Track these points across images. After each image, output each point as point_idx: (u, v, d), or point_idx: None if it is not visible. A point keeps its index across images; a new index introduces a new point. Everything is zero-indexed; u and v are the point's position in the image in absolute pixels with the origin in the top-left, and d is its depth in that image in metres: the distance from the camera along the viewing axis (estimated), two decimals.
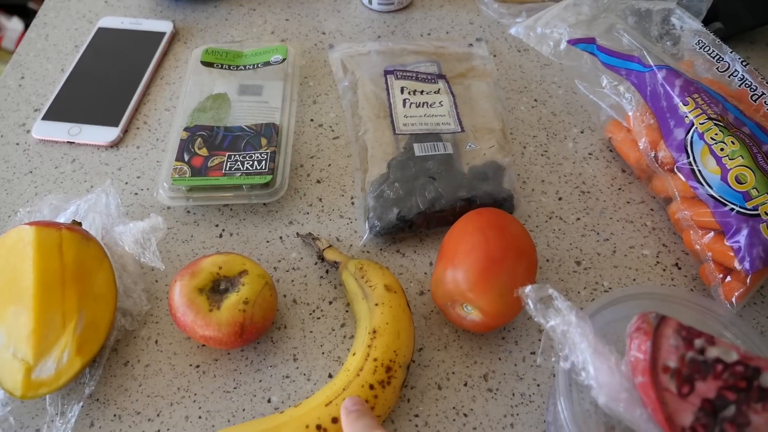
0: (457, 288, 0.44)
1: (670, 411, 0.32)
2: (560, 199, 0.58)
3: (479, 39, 0.72)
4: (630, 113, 0.57)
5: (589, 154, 0.62)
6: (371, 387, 0.42)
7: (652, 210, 0.57)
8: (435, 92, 0.62)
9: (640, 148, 0.55)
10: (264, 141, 0.57)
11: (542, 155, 0.61)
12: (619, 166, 0.61)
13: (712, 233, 0.50)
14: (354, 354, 0.44)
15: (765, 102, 0.53)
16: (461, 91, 0.64)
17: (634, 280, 0.53)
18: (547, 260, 0.54)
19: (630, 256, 0.54)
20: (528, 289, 0.38)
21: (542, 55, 0.69)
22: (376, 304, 0.46)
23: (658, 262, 0.54)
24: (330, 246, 0.52)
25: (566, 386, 0.38)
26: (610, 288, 0.52)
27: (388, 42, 0.69)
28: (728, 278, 0.49)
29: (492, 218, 0.47)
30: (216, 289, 0.46)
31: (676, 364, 0.33)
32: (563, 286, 0.52)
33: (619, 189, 0.59)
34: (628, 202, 0.58)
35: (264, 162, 0.55)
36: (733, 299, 0.48)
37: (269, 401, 0.46)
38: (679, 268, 0.54)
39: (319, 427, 0.40)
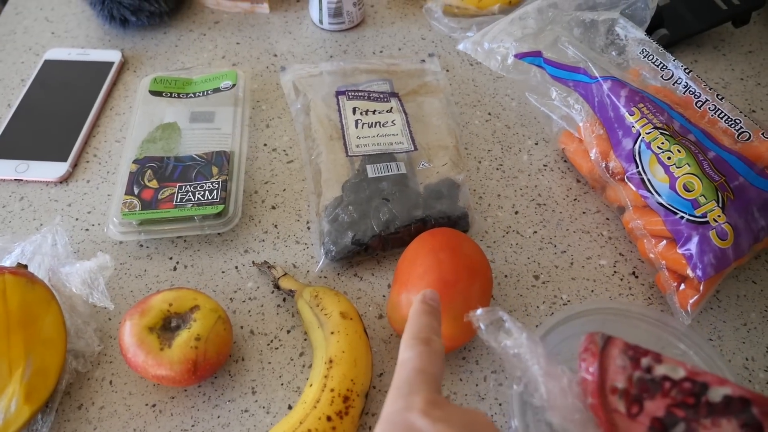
0: None
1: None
2: (517, 212, 0.58)
3: (431, 54, 0.72)
4: (581, 124, 0.57)
5: (544, 165, 0.62)
6: (329, 419, 0.41)
7: (607, 219, 0.58)
8: (387, 111, 0.62)
9: (592, 158, 0.56)
10: (215, 170, 0.56)
11: (497, 169, 0.62)
12: (573, 177, 0.61)
13: (664, 241, 0.51)
14: (311, 385, 0.44)
15: (708, 108, 0.53)
16: (414, 108, 0.64)
17: (593, 291, 0.53)
18: (506, 276, 0.54)
19: (587, 267, 0.55)
20: (478, 312, 0.37)
21: None
22: (332, 333, 0.45)
23: (615, 272, 0.54)
24: (285, 274, 0.51)
25: (520, 407, 0.38)
26: (569, 301, 0.52)
27: (340, 62, 0.69)
28: (682, 286, 0.49)
29: (444, 239, 0.47)
30: (167, 326, 0.45)
31: (624, 384, 0.33)
32: (522, 301, 0.52)
33: (575, 199, 0.59)
34: (583, 213, 0.58)
35: (216, 191, 0.55)
36: (688, 307, 0.49)
37: None
38: (636, 277, 0.54)
39: None
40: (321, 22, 0.74)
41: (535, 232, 0.57)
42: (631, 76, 0.57)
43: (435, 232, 0.48)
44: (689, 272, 0.48)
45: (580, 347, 0.35)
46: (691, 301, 0.49)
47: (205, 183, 0.55)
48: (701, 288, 0.48)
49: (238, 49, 0.73)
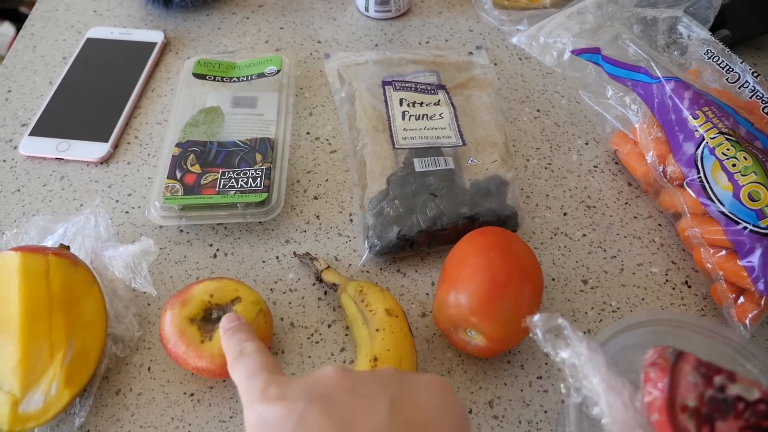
0: (461, 313, 0.43)
1: None
2: (565, 214, 0.56)
3: (479, 47, 0.70)
4: (636, 125, 0.55)
5: (595, 166, 0.60)
6: None
7: (660, 225, 0.56)
8: (435, 104, 0.60)
9: (648, 161, 0.54)
10: (259, 157, 0.55)
11: (546, 168, 0.60)
12: (625, 180, 0.59)
13: (723, 252, 0.48)
14: None
15: None
16: (462, 102, 0.62)
17: (643, 299, 0.51)
18: (553, 279, 0.52)
19: (638, 274, 0.53)
20: (536, 318, 0.36)
21: (544, 64, 0.67)
22: (377, 330, 0.44)
23: (667, 281, 0.52)
24: (328, 267, 0.50)
25: (577, 420, 0.36)
26: (618, 308, 0.51)
27: (386, 51, 0.67)
28: (741, 299, 0.47)
29: (495, 239, 0.45)
30: (208, 318, 0.44)
31: (695, 402, 0.31)
32: (570, 306, 0.51)
33: (626, 203, 0.57)
34: (635, 217, 0.56)
35: (259, 179, 0.54)
36: (747, 321, 0.47)
37: None
38: (689, 287, 0.52)
39: None
40: (367, 9, 0.73)
41: (584, 235, 0.55)
42: (691, 77, 0.55)
43: (485, 230, 0.47)
44: (750, 285, 0.46)
45: (646, 361, 0.33)
46: (750, 315, 0.47)
47: (249, 170, 0.54)
48: (762, 303, 0.46)
49: (282, 34, 0.72)
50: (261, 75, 0.63)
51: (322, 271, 0.50)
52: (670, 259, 0.54)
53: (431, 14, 0.75)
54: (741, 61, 0.54)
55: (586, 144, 0.62)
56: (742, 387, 0.31)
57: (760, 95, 0.52)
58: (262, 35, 0.72)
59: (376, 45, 0.71)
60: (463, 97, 0.62)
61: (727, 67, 0.54)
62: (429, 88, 0.62)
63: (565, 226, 0.56)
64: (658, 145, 0.53)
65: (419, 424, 0.30)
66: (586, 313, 0.50)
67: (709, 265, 0.49)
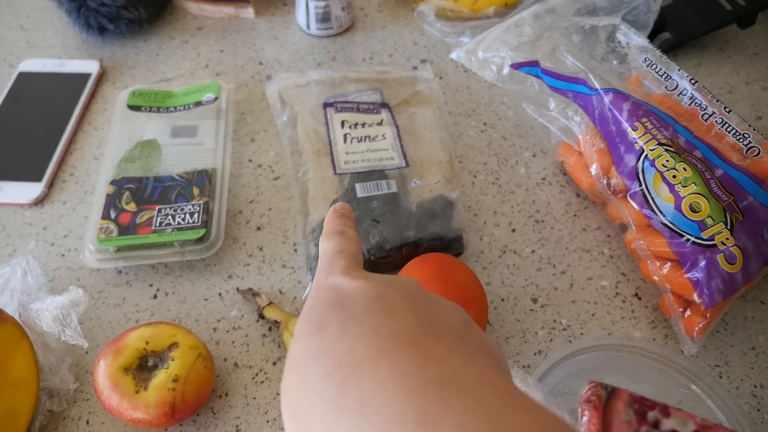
0: None
1: None
2: (514, 230, 0.56)
3: (424, 61, 0.69)
4: (580, 137, 0.54)
5: (542, 179, 0.59)
6: None
7: (608, 236, 0.55)
8: (378, 124, 0.59)
9: (592, 173, 0.53)
10: (196, 190, 0.54)
11: (494, 183, 0.59)
12: (573, 191, 0.58)
13: (669, 264, 0.48)
14: None
15: (716, 121, 0.51)
16: (406, 120, 0.61)
17: (593, 315, 0.50)
18: (502, 300, 0.51)
19: (588, 289, 0.52)
20: None
21: None
22: None
23: (617, 293, 0.52)
24: (270, 303, 0.49)
25: None
26: (568, 326, 0.50)
27: (329, 70, 0.66)
28: (688, 311, 0.47)
29: (435, 268, 0.44)
30: (144, 366, 0.42)
31: None
32: (520, 327, 0.50)
33: (575, 215, 0.57)
34: (584, 230, 0.56)
35: (197, 214, 0.52)
36: (695, 334, 0.46)
37: None
38: (639, 299, 0.51)
39: None
40: (308, 27, 0.71)
41: (533, 251, 0.54)
42: (632, 85, 0.55)
43: (426, 259, 0.46)
44: (696, 298, 0.46)
45: (581, 397, 0.32)
46: (697, 328, 0.46)
47: (186, 205, 0.53)
48: (708, 315, 0.46)
49: (222, 57, 0.70)
50: (198, 103, 0.61)
51: (263, 307, 0.49)
52: (620, 271, 0.53)
53: (375, 29, 0.73)
54: (678, 68, 0.53)
55: (534, 156, 0.61)
56: (677, 421, 0.30)
57: (698, 102, 0.52)
58: (202, 59, 0.70)
59: (319, 63, 0.69)
60: (407, 115, 0.61)
61: (665, 74, 0.53)
62: (372, 107, 0.61)
63: (514, 243, 0.55)
64: (601, 157, 0.52)
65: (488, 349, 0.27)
66: (536, 333, 0.50)
67: (656, 278, 0.49)
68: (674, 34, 0.66)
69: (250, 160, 0.61)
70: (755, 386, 0.47)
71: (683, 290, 0.47)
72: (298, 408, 0.23)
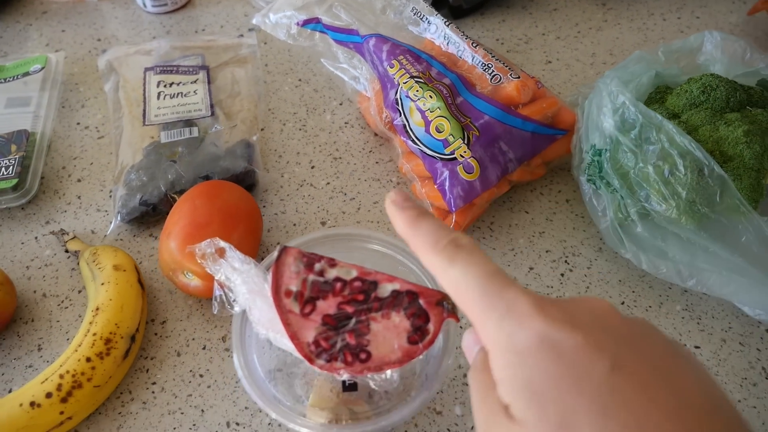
0: (172, 257, 0.47)
1: (295, 330, 0.36)
2: (313, 167, 0.62)
3: (251, 29, 0.75)
4: (365, 83, 0.61)
5: (345, 123, 0.66)
6: (88, 359, 0.44)
7: (398, 167, 0.62)
8: (192, 82, 0.65)
9: (371, 113, 0.60)
10: (14, 147, 0.59)
11: (300, 129, 0.65)
12: (371, 132, 0.65)
13: (428, 181, 0.55)
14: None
15: (466, 57, 0.58)
16: (225, 79, 0.67)
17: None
18: (294, 224, 0.58)
19: (373, 211, 0.59)
20: (203, 244, 0.41)
21: None
22: (102, 284, 0.48)
23: None
24: (74, 237, 0.54)
25: (240, 326, 0.41)
26: None
27: (161, 41, 0.71)
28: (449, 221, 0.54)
29: (204, 188, 0.50)
30: None
31: (298, 287, 0.36)
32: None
33: (370, 151, 0.64)
34: (376, 162, 0.63)
35: (12, 167, 0.57)
36: None
37: (9, 391, 0.48)
38: None
39: (32, 403, 0.42)
40: (144, 5, 0.77)
41: (328, 183, 0.61)
42: (428, 45, 0.62)
43: (202, 184, 0.52)
44: (444, 204, 0.53)
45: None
46: None
47: (2, 160, 0.58)
48: (453, 220, 0.53)
49: (63, 36, 0.75)
50: (26, 74, 0.66)
51: (67, 241, 0.54)
52: None
53: (210, 4, 0.80)
54: (436, 14, 0.60)
55: (341, 104, 0.68)
56: (342, 270, 0.37)
57: (454, 42, 0.59)
58: (44, 39, 0.75)
59: (154, 37, 0.75)
60: (225, 74, 0.67)
61: (427, 20, 0.60)
62: (191, 69, 0.67)
63: (312, 178, 0.61)
64: (377, 98, 0.59)
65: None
66: None
67: (421, 197, 0.56)
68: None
69: (78, 123, 0.66)
70: None
71: (439, 201, 0.54)
72: None
